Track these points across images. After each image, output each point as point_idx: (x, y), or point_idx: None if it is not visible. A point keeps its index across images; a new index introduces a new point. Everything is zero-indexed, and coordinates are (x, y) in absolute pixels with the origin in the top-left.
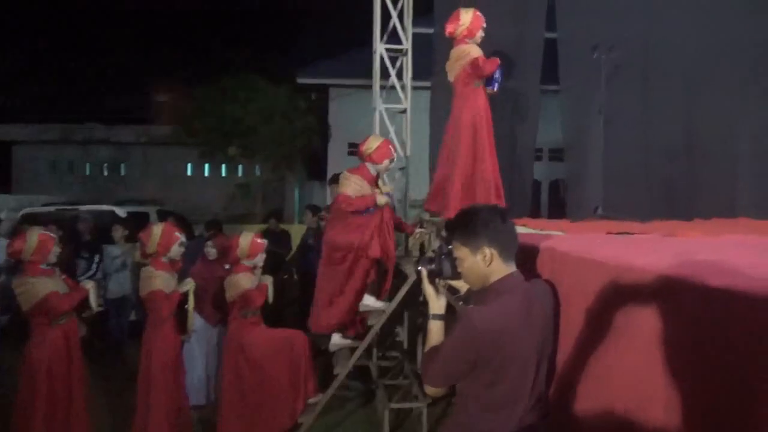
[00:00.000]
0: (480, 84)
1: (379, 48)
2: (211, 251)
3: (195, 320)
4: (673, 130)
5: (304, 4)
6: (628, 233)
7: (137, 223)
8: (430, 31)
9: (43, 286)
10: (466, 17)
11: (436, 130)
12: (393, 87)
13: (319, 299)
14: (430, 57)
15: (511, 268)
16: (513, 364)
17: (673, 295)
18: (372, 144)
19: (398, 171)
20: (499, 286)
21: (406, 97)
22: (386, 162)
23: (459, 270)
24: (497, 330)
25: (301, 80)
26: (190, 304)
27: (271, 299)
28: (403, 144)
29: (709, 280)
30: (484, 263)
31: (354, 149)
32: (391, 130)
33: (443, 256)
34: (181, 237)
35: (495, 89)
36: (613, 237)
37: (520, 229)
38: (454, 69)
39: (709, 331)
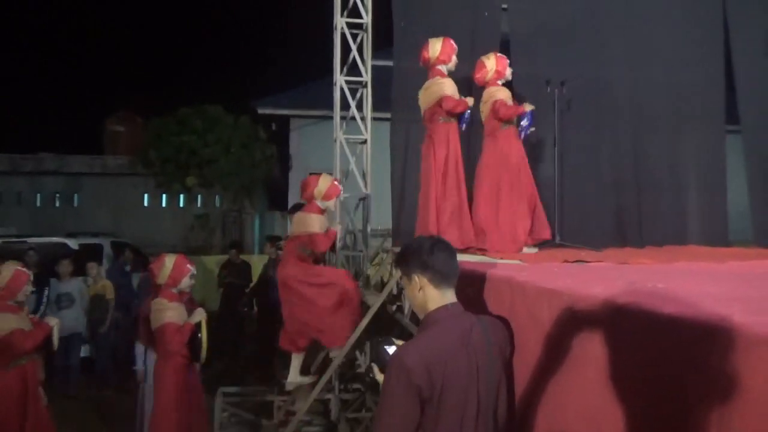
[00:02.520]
0: (507, 126)
1: (339, 80)
2: None
3: (150, 358)
4: (623, 162)
5: (264, 36)
6: (583, 261)
7: (90, 256)
8: (390, 63)
9: (7, 323)
10: (490, 62)
11: (397, 161)
12: (353, 118)
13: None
14: (389, 89)
15: (448, 298)
16: (451, 395)
17: (623, 323)
18: (322, 185)
19: (359, 201)
20: (433, 316)
21: (366, 128)
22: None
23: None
24: (428, 362)
25: (261, 110)
26: (203, 333)
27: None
28: (363, 174)
29: (657, 308)
30: (417, 291)
31: None
32: (352, 160)
33: (380, 345)
34: (192, 269)
35: (521, 136)
36: (569, 265)
37: (477, 259)
38: (484, 110)
39: (657, 360)
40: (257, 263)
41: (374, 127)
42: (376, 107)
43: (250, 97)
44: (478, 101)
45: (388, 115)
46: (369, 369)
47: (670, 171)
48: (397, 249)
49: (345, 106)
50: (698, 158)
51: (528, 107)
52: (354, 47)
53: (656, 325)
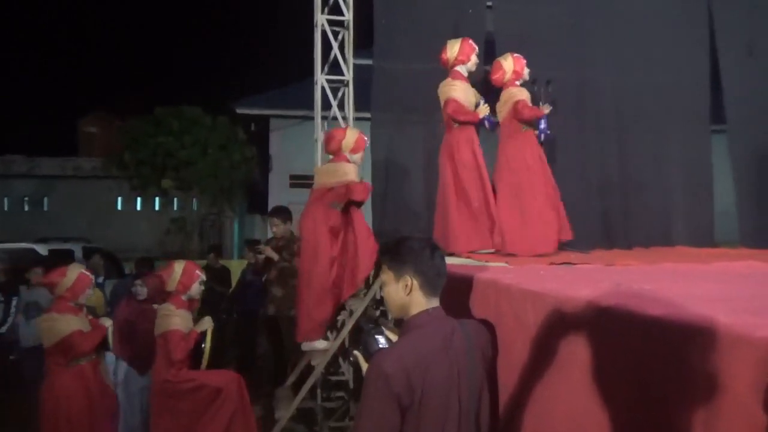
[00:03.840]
0: (527, 128)
1: (320, 79)
2: (140, 290)
3: (120, 369)
4: (609, 163)
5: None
6: (569, 263)
7: (60, 262)
8: (370, 62)
9: (68, 324)
10: (507, 63)
11: (378, 162)
12: (335, 118)
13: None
14: (370, 88)
15: (432, 303)
16: (432, 401)
17: (609, 325)
18: (350, 137)
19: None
20: (414, 321)
21: None
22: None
23: (382, 294)
24: (408, 369)
25: (240, 111)
26: (207, 343)
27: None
28: None
29: (643, 310)
30: (404, 292)
31: (297, 181)
32: None
33: (369, 334)
34: (201, 275)
35: (540, 138)
36: (556, 267)
37: (464, 262)
38: (502, 111)
39: (643, 362)
40: (237, 268)
41: (356, 127)
42: (358, 107)
43: (229, 98)
44: (491, 103)
45: (369, 115)
46: (352, 353)
47: (655, 171)
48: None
49: (326, 105)
50: (684, 158)
51: (546, 109)
52: (335, 45)
53: (641, 326)
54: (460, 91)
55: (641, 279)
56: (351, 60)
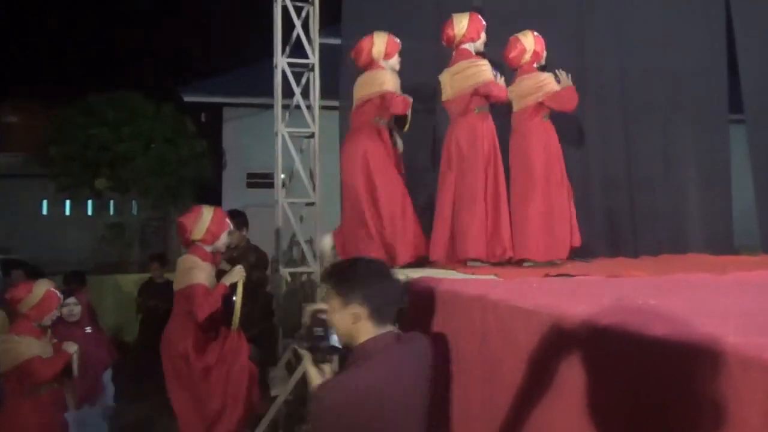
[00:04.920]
0: (547, 117)
1: (281, 62)
2: (73, 310)
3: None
4: (613, 158)
5: (192, 11)
6: (568, 275)
7: None
8: (339, 42)
9: (29, 348)
10: (528, 41)
11: None
12: (298, 107)
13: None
14: (338, 72)
15: (384, 328)
16: (387, 430)
17: (608, 346)
18: (379, 43)
19: (305, 207)
20: (363, 349)
21: (313, 120)
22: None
23: (327, 318)
24: (358, 401)
25: (188, 98)
26: (238, 296)
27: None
28: (311, 175)
29: (644, 329)
30: (351, 320)
31: (255, 180)
32: (297, 158)
33: (323, 328)
34: (231, 225)
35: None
36: (551, 280)
37: (447, 274)
38: (523, 100)
39: (643, 386)
40: None
41: (324, 118)
42: (325, 94)
43: (175, 83)
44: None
45: (337, 104)
46: (298, 347)
47: (666, 167)
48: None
49: (288, 92)
50: (698, 152)
51: (568, 81)
52: (298, 23)
53: (642, 347)
54: (489, 72)
55: (646, 292)
56: (317, 40)
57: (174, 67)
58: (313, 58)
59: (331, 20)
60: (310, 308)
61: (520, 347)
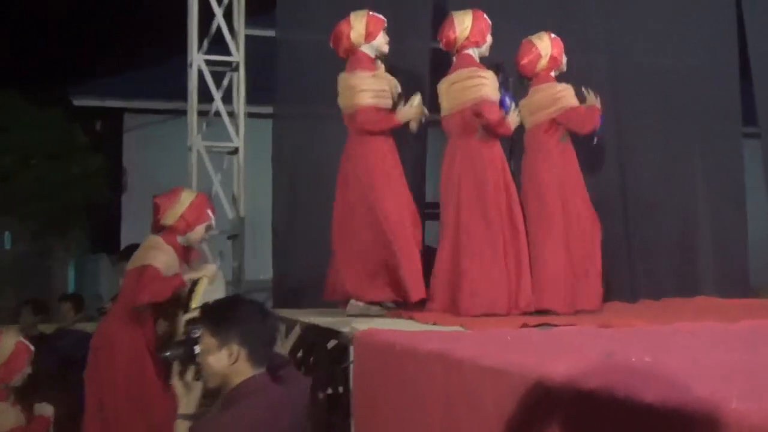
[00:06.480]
0: (566, 138)
1: (197, 59)
2: None
3: None
4: (606, 177)
5: None
6: (549, 325)
7: None
8: (272, 34)
9: (6, 418)
10: (543, 45)
11: (282, 178)
12: (218, 114)
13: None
14: (272, 72)
15: (259, 369)
16: None
17: (591, 414)
18: (357, 25)
19: (227, 240)
20: (238, 391)
21: (237, 131)
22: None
23: (200, 361)
24: None
25: (79, 102)
26: (196, 296)
27: None
28: (234, 199)
29: (635, 394)
30: (228, 361)
31: None
32: (216, 178)
33: (195, 340)
34: (212, 218)
35: (594, 142)
36: (529, 332)
37: (403, 326)
38: (535, 115)
39: None
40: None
41: (251, 129)
42: (253, 98)
43: (63, 82)
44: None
45: (269, 110)
46: (166, 359)
47: (669, 188)
48: (282, 313)
49: (206, 97)
50: (707, 170)
51: (598, 103)
52: (219, 12)
53: (633, 415)
54: (491, 88)
55: (642, 347)
56: (242, 32)
57: (61, 62)
58: (238, 55)
59: (260, 7)
60: (184, 317)
61: (488, 414)
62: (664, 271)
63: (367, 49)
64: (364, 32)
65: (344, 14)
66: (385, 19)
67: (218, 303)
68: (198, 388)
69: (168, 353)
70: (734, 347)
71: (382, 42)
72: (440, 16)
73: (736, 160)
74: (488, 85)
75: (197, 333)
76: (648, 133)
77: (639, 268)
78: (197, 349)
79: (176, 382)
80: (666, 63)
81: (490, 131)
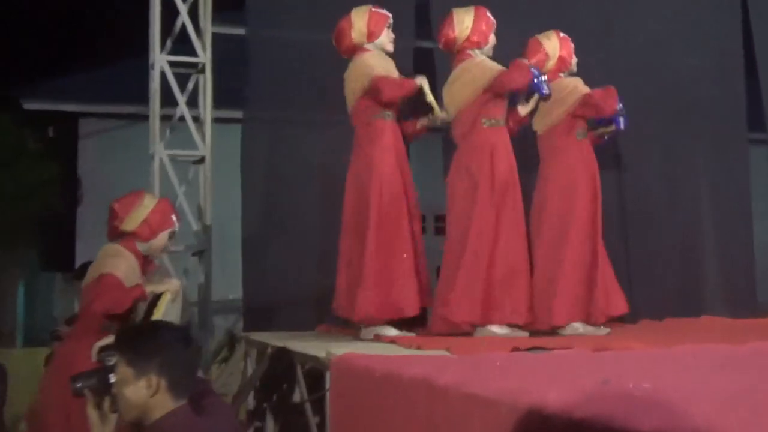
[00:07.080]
0: (584, 135)
1: (160, 60)
2: None
3: None
4: (603, 187)
5: None
6: (541, 349)
7: None
8: (242, 32)
9: None
10: (552, 44)
11: (253, 189)
12: (182, 119)
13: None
14: (240, 74)
15: (181, 401)
16: None
17: None
18: (357, 22)
19: (191, 257)
20: (161, 425)
21: (203, 137)
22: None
23: (115, 392)
24: None
25: (30, 105)
26: (159, 311)
27: None
28: (200, 212)
29: (632, 424)
30: (147, 392)
31: None
32: (180, 189)
33: (110, 368)
34: (176, 226)
35: (622, 126)
36: (520, 356)
37: (385, 350)
38: (548, 117)
39: None
40: (22, 364)
41: (219, 136)
42: (220, 102)
43: (13, 84)
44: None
45: (238, 115)
46: (77, 390)
47: (670, 200)
48: (253, 336)
49: (169, 101)
50: (711, 180)
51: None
52: (184, 9)
53: None
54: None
55: (640, 372)
56: (209, 30)
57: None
58: (204, 55)
59: (228, 3)
60: (96, 345)
61: None
62: (665, 286)
63: (370, 48)
64: (366, 31)
65: (320, 10)
66: (390, 15)
67: (135, 328)
68: (114, 420)
69: (79, 384)
70: (739, 371)
71: (385, 40)
72: (424, 11)
73: (742, 167)
74: (495, 65)
75: (112, 361)
76: (646, 141)
77: (638, 283)
78: (112, 378)
79: (91, 412)
80: (667, 64)
81: (520, 91)
